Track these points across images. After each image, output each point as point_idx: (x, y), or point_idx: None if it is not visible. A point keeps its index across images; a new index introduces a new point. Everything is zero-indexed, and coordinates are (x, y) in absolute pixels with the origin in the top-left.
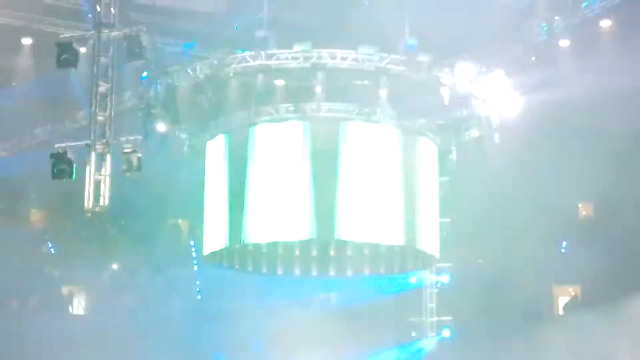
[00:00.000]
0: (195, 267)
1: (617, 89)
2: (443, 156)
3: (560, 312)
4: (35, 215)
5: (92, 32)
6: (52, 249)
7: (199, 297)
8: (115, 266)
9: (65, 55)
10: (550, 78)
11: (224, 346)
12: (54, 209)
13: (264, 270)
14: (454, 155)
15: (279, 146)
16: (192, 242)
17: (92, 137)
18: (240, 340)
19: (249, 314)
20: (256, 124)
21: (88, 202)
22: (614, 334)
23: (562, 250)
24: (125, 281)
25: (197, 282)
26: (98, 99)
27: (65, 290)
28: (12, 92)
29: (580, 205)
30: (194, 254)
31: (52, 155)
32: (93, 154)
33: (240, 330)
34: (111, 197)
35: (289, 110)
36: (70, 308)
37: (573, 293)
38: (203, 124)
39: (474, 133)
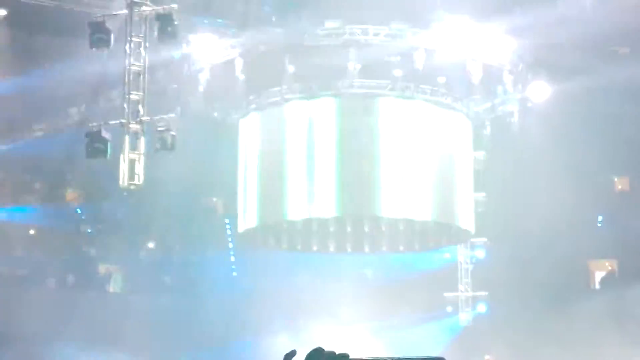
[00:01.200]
0: (230, 245)
1: None
2: (478, 131)
3: (597, 286)
4: (72, 195)
5: (125, 10)
6: (89, 228)
7: (234, 274)
8: (151, 245)
9: (98, 35)
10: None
11: (259, 323)
12: (90, 188)
13: (299, 247)
14: (488, 130)
15: (311, 123)
16: (226, 220)
17: (126, 116)
18: (275, 316)
19: (285, 291)
20: (289, 101)
21: (123, 180)
22: None
23: (598, 225)
24: (161, 259)
25: (232, 260)
26: (131, 78)
27: (102, 268)
28: (46, 73)
29: (616, 180)
30: (228, 232)
31: (87, 134)
32: (127, 133)
33: (276, 306)
34: (146, 176)
35: (322, 87)
36: (107, 286)
37: (609, 267)
38: (236, 102)
39: (509, 108)
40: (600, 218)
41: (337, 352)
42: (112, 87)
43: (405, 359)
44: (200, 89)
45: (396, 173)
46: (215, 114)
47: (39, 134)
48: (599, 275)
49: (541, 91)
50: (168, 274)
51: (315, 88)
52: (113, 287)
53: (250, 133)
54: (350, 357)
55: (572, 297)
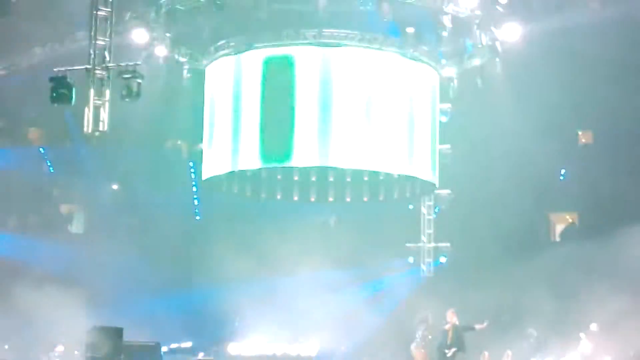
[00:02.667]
0: (194, 189)
1: (621, 14)
2: (445, 84)
3: (557, 238)
4: (34, 134)
5: None
6: (51, 168)
7: (197, 218)
8: (114, 186)
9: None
10: (552, 5)
11: (221, 267)
12: (54, 128)
13: (263, 195)
14: (455, 83)
15: (278, 71)
16: (191, 164)
17: (91, 62)
18: (237, 263)
19: (248, 237)
20: (256, 48)
21: (87, 127)
22: (609, 260)
23: (561, 178)
24: (125, 201)
25: (196, 204)
26: (98, 23)
27: (64, 209)
28: (11, 9)
29: (580, 133)
30: (193, 176)
31: (52, 79)
32: (93, 79)
33: (238, 252)
34: (111, 118)
35: (289, 36)
36: (69, 227)
37: (570, 220)
38: (203, 48)
39: (476, 61)
40: (563, 171)
41: None
42: (79, 29)
43: None
44: (168, 34)
45: (360, 124)
46: (182, 60)
47: (2, 72)
48: (559, 227)
49: (511, 32)
50: (130, 215)
51: (283, 36)
52: (74, 227)
53: (216, 80)
54: None
55: (533, 248)
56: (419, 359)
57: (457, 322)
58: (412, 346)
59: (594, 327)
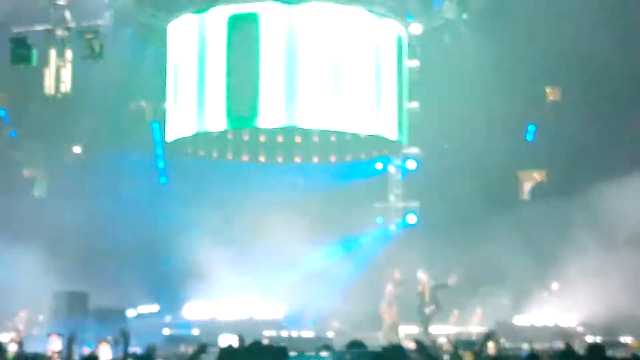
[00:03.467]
0: (159, 151)
1: None
2: (412, 41)
3: (526, 196)
4: None
5: None
6: (13, 132)
7: (162, 180)
8: (77, 149)
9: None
10: None
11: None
12: (15, 90)
13: (229, 157)
14: (423, 40)
15: (242, 29)
16: (155, 126)
17: (52, 22)
18: (204, 224)
19: (216, 200)
20: (220, 4)
21: (49, 88)
22: (577, 219)
23: (529, 136)
24: (88, 164)
25: (160, 166)
26: None
27: (26, 172)
28: None
29: (548, 90)
30: (157, 137)
31: (12, 40)
32: (54, 40)
33: (205, 215)
34: (73, 80)
35: None
36: (32, 191)
37: (538, 178)
38: (166, 6)
39: (444, 18)
40: (531, 128)
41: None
42: None
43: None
44: None
45: (325, 83)
46: (144, 18)
47: None
48: (528, 185)
49: None
50: (94, 178)
51: None
52: (38, 192)
53: (181, 38)
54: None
55: (501, 207)
56: (386, 319)
57: (429, 281)
58: (381, 306)
59: (555, 285)
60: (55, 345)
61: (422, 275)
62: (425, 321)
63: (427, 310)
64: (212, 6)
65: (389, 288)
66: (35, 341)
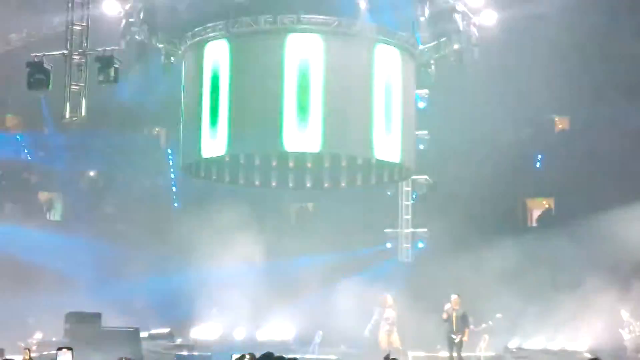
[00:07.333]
0: (172, 176)
1: (593, 4)
2: (422, 69)
3: (534, 223)
4: (12, 121)
5: None
6: (28, 155)
7: (175, 205)
8: (92, 173)
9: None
10: None
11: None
12: (31, 114)
13: (241, 181)
14: (432, 69)
15: (257, 58)
16: (169, 151)
17: (68, 47)
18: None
19: (226, 221)
20: (234, 35)
21: (65, 113)
22: (583, 246)
23: (537, 164)
24: (103, 188)
25: (174, 190)
26: (74, 7)
27: (42, 196)
28: None
29: (556, 119)
30: (170, 163)
31: (28, 64)
32: (70, 65)
33: (217, 238)
34: (89, 105)
35: (268, 22)
36: (47, 214)
37: (547, 205)
38: (181, 34)
39: (453, 47)
40: (539, 157)
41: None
42: (55, 14)
43: None
44: (146, 19)
45: (338, 111)
46: (160, 46)
47: None
48: (536, 213)
49: (488, 18)
50: (108, 202)
51: (261, 22)
52: (53, 215)
53: (195, 66)
54: None
55: (510, 234)
56: (382, 341)
57: (459, 309)
58: (366, 330)
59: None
60: (65, 358)
61: (455, 301)
62: (451, 347)
63: (456, 338)
64: (224, 36)
65: (376, 313)
66: None
